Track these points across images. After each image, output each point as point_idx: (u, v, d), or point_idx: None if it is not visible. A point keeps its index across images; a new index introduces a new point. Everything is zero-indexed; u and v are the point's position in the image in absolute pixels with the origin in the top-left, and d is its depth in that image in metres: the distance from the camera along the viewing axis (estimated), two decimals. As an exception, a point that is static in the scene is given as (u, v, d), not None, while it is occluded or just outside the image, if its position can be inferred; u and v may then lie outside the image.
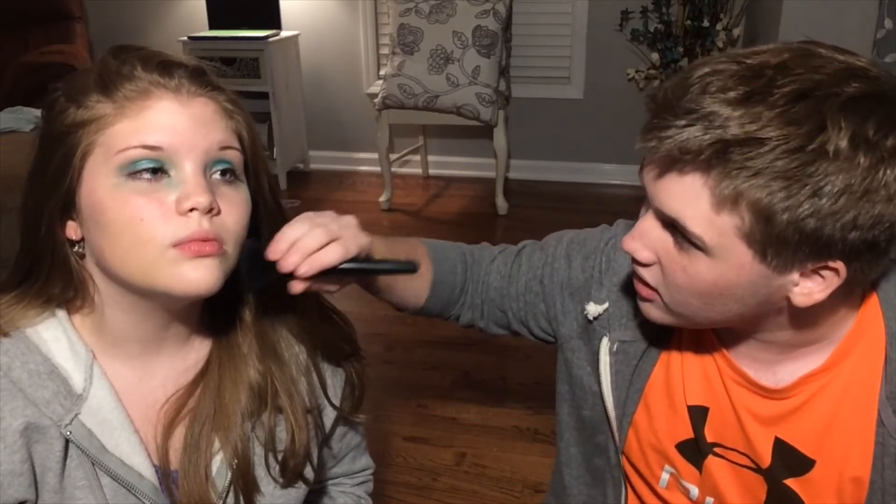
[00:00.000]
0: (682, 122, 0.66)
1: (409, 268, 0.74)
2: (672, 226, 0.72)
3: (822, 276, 0.71)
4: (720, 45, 3.45)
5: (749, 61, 0.68)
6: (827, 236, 0.66)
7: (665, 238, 0.74)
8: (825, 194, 0.64)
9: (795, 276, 0.71)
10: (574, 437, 1.02)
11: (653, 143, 0.69)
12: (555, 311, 0.98)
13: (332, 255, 0.69)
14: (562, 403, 1.02)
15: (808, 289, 0.72)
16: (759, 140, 0.64)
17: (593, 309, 0.92)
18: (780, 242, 0.68)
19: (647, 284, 0.78)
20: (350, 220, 0.74)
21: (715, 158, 0.66)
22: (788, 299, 0.73)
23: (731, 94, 0.66)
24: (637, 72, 3.74)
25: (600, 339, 0.92)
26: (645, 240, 0.76)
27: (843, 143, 0.64)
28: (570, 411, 1.01)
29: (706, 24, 3.42)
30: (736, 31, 3.49)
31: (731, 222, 0.68)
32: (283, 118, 3.96)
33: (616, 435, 0.95)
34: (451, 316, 1.04)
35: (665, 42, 3.56)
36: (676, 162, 0.69)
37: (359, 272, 0.73)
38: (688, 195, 0.69)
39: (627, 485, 0.99)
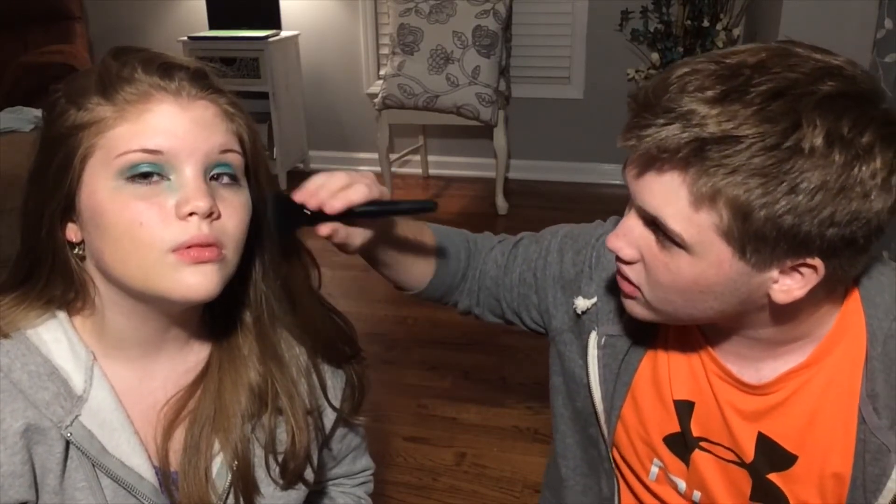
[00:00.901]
0: (661, 121, 0.67)
1: (429, 205, 0.77)
2: (654, 223, 0.73)
3: (800, 274, 0.72)
4: (720, 45, 3.44)
5: (727, 61, 0.69)
6: (804, 233, 0.67)
7: (647, 236, 0.75)
8: (801, 191, 0.65)
9: (774, 273, 0.72)
10: (570, 428, 1.03)
11: (632, 141, 0.70)
12: (546, 304, 0.99)
13: (358, 193, 0.74)
14: (556, 395, 1.03)
15: (788, 286, 0.72)
16: (736, 138, 0.65)
17: (582, 303, 0.94)
18: (758, 239, 0.68)
19: (629, 281, 0.79)
20: (368, 174, 0.79)
21: (692, 156, 0.67)
22: (769, 296, 0.74)
23: (709, 93, 0.67)
24: (637, 72, 3.73)
25: (589, 333, 0.94)
26: (628, 238, 0.77)
27: (819, 141, 0.64)
28: (564, 403, 1.02)
29: (706, 24, 3.42)
30: (736, 31, 3.48)
31: (709, 220, 0.69)
32: (283, 118, 3.95)
33: (604, 428, 0.96)
34: (449, 301, 1.05)
35: (665, 42, 3.55)
36: (655, 160, 0.70)
37: (382, 213, 0.77)
38: (667, 193, 0.70)
39: (619, 476, 1.00)
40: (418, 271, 0.97)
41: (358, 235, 0.79)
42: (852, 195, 0.66)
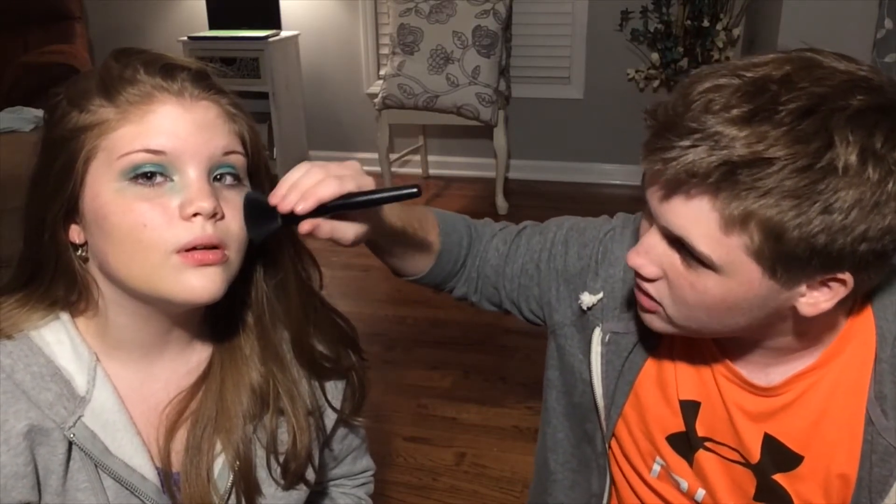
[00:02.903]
0: (687, 143, 0.66)
1: (411, 192, 0.71)
2: (678, 242, 0.72)
3: (829, 287, 0.71)
4: (720, 44, 3.45)
5: (750, 74, 0.67)
6: (837, 250, 0.66)
7: (671, 254, 0.74)
8: (836, 210, 0.64)
9: (803, 287, 0.71)
10: (562, 423, 1.02)
11: (658, 165, 0.68)
12: (549, 297, 0.98)
13: (327, 189, 0.70)
14: (550, 390, 1.02)
15: (815, 298, 0.72)
16: (767, 160, 0.64)
17: (588, 299, 0.92)
18: (790, 259, 0.67)
19: (650, 297, 0.78)
20: (353, 164, 0.75)
21: (723, 181, 0.65)
22: (794, 308, 0.73)
23: (735, 112, 0.65)
24: (637, 72, 3.74)
25: (593, 329, 0.93)
26: (651, 255, 0.75)
27: (853, 158, 0.63)
28: (557, 398, 1.02)
29: (706, 24, 3.42)
30: (736, 31, 3.49)
31: (740, 241, 0.68)
32: (283, 118, 3.96)
33: (604, 424, 0.95)
34: (446, 287, 1.03)
35: (665, 42, 3.56)
36: (683, 184, 0.68)
37: (358, 205, 0.72)
38: (695, 216, 0.69)
39: (618, 472, 1.00)
40: (421, 258, 0.96)
41: (348, 229, 0.75)
42: (886, 210, 0.66)
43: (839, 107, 0.64)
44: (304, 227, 0.72)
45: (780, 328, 0.78)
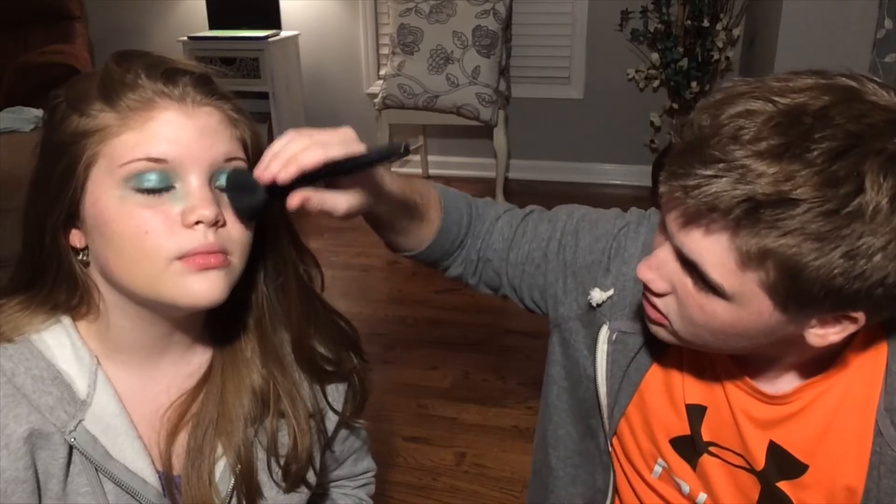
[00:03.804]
0: (710, 173, 0.64)
1: (397, 150, 0.66)
2: (692, 265, 0.71)
3: (840, 323, 0.70)
4: (720, 44, 3.45)
5: (785, 102, 0.64)
6: (853, 292, 0.65)
7: (683, 274, 0.73)
8: (859, 255, 0.63)
9: (813, 321, 0.71)
10: (563, 419, 1.01)
11: (678, 192, 0.67)
12: (555, 290, 0.96)
13: (311, 156, 0.66)
14: (551, 386, 1.01)
15: (825, 331, 0.71)
16: (793, 201, 0.62)
17: (598, 295, 0.91)
18: (804, 296, 0.67)
19: (657, 309, 0.78)
20: (345, 130, 0.71)
21: (744, 218, 0.64)
22: (802, 336, 0.72)
23: (764, 145, 0.63)
24: (637, 72, 3.74)
25: (600, 327, 0.91)
26: (662, 271, 0.74)
27: (883, 204, 0.62)
28: (559, 394, 1.00)
29: (706, 24, 3.42)
30: (736, 31, 3.49)
31: (755, 276, 0.67)
32: (283, 118, 3.95)
33: (606, 422, 0.95)
34: (441, 266, 1.00)
35: (665, 42, 3.55)
36: (703, 217, 0.66)
37: (344, 170, 0.68)
38: (713, 248, 0.67)
39: (619, 470, 0.99)
40: (419, 233, 0.92)
41: (340, 199, 0.72)
42: None
43: (874, 150, 0.62)
44: (293, 200, 0.69)
45: (787, 351, 0.77)
